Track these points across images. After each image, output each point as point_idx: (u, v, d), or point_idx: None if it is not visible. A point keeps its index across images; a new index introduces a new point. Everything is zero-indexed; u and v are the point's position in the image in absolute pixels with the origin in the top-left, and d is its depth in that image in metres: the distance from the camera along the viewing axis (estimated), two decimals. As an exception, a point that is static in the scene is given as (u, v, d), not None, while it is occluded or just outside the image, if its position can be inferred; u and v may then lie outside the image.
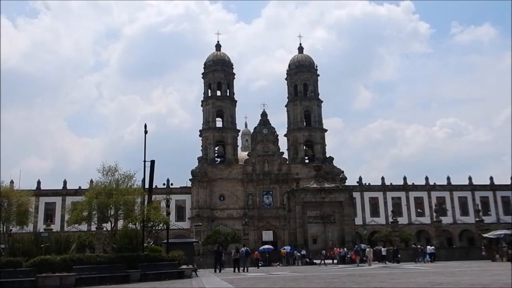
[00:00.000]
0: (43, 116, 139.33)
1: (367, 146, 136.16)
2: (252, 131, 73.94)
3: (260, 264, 43.54)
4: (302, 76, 71.94)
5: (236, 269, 30.72)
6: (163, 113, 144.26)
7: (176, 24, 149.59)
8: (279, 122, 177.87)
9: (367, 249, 41.33)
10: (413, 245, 50.78)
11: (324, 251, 44.21)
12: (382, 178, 68.75)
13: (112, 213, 29.52)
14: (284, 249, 46.93)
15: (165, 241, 30.44)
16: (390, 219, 56.80)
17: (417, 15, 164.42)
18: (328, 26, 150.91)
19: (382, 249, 45.17)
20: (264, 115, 70.73)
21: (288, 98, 72.99)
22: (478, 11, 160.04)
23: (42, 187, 62.81)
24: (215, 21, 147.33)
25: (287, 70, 74.32)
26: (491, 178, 69.79)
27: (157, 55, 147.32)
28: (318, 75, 73.26)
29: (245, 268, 31.46)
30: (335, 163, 68.32)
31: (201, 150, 68.55)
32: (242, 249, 33.75)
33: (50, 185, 65.26)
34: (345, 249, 45.24)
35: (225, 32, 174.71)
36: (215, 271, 30.77)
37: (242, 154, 72.83)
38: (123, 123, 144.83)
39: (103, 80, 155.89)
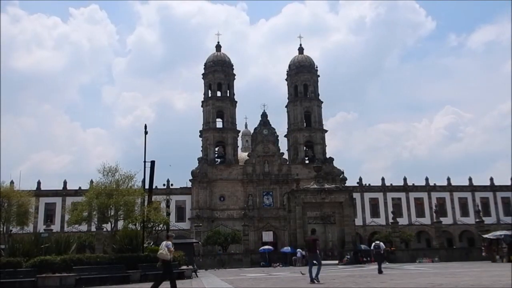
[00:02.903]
0: (54, 113, 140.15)
1: (368, 146, 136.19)
2: (252, 131, 73.96)
3: (262, 264, 43.65)
4: (302, 77, 71.91)
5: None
6: (164, 113, 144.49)
7: (175, 24, 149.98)
8: (280, 122, 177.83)
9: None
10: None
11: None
12: (382, 179, 68.79)
13: (112, 213, 29.53)
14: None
15: (165, 241, 30.41)
16: (390, 220, 56.76)
17: (428, 14, 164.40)
18: (336, 25, 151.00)
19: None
20: (264, 115, 70.74)
21: (288, 98, 72.98)
22: (492, 11, 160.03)
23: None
24: (216, 20, 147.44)
25: (287, 71, 74.30)
26: (491, 179, 69.76)
27: (156, 55, 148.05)
28: (318, 75, 73.28)
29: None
30: (335, 163, 68.33)
31: (201, 150, 68.53)
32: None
33: (53, 183, 65.23)
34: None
35: (226, 32, 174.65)
36: None
37: (242, 155, 72.79)
38: (121, 124, 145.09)
39: (102, 80, 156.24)
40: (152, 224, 27.90)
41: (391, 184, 68.70)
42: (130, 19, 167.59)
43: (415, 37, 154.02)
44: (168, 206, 31.40)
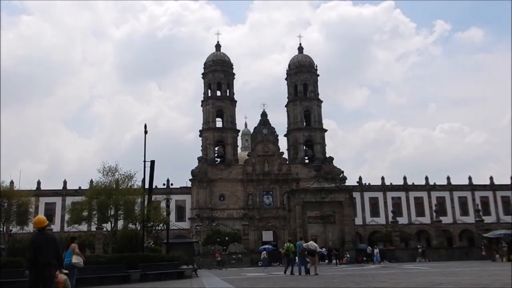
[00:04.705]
0: (37, 118, 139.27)
1: (367, 146, 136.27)
2: (252, 131, 73.96)
3: (260, 264, 43.59)
4: (302, 76, 71.91)
5: None
6: (163, 113, 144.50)
7: (173, 25, 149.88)
8: (279, 122, 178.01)
9: None
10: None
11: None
12: (382, 178, 68.72)
13: (112, 213, 29.55)
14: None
15: (165, 241, 30.47)
16: (390, 219, 56.77)
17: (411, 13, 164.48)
18: (339, 24, 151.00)
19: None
20: (264, 115, 70.79)
21: (288, 98, 72.99)
22: (477, 11, 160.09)
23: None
24: (215, 20, 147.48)
25: (287, 70, 74.34)
26: (491, 178, 69.67)
27: (155, 56, 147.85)
28: (318, 75, 73.28)
29: None
30: (335, 163, 68.33)
31: (201, 150, 68.52)
32: None
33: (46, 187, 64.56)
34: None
35: (225, 32, 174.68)
36: None
37: (242, 154, 72.80)
38: (121, 124, 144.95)
39: (101, 80, 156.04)
40: (152, 223, 27.94)
41: (391, 184, 68.65)
42: (133, 19, 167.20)
43: (419, 36, 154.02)
44: (168, 205, 31.38)
